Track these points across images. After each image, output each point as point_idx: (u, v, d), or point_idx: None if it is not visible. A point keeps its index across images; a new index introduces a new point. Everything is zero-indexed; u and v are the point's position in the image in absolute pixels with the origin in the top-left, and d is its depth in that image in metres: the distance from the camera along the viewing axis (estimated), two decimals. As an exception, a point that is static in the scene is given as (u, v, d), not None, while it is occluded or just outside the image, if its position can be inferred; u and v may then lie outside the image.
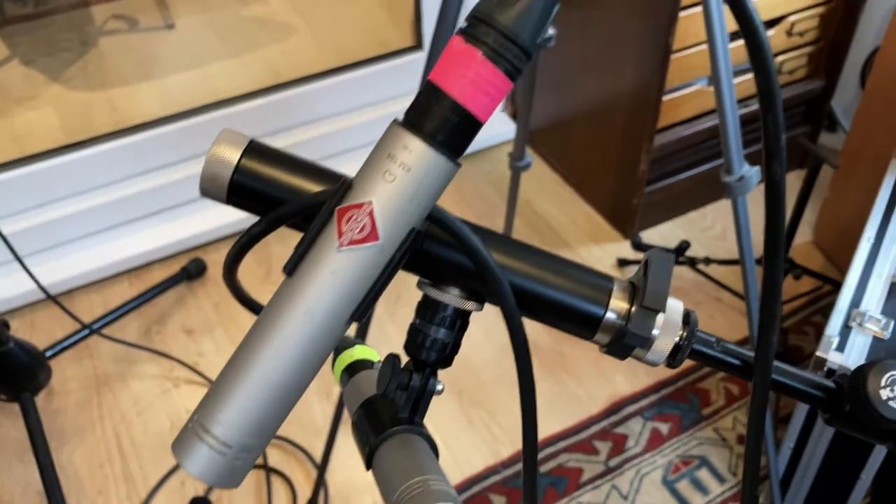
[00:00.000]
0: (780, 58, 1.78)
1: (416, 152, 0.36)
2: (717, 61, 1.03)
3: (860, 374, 0.44)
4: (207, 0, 2.19)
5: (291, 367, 0.37)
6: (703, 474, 1.46)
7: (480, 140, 2.14)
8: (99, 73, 2.02)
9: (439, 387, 0.46)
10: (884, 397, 0.43)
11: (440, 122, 0.36)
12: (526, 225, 1.94)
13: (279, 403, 0.38)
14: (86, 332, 1.65)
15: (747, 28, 0.36)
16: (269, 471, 1.49)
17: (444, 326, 0.45)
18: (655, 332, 0.43)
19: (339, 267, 0.36)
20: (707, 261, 1.76)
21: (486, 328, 1.67)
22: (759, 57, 0.36)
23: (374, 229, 0.36)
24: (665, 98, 1.67)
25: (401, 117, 0.37)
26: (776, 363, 0.46)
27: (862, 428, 0.45)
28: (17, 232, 1.74)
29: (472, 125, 0.36)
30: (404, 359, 0.46)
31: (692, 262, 1.79)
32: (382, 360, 0.47)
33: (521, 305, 0.43)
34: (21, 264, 1.36)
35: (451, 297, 0.44)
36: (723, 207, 1.98)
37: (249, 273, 1.79)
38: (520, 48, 0.35)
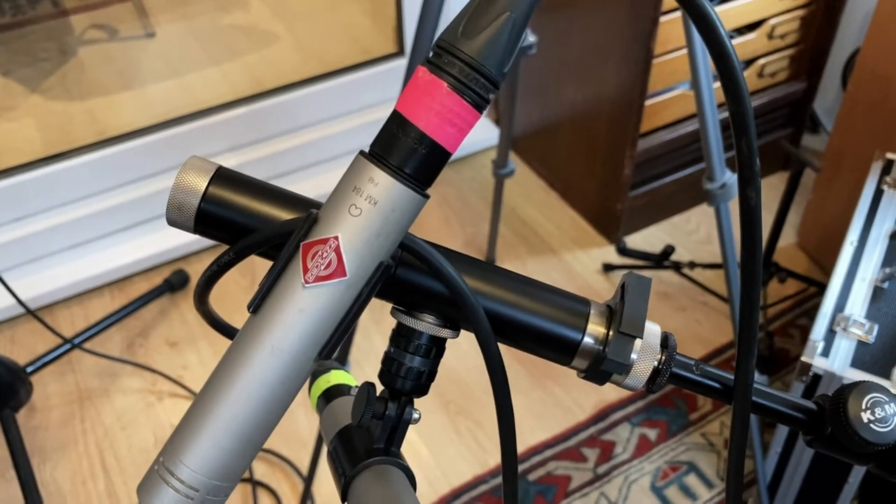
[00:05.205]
0: (762, 60, 1.79)
1: (382, 185, 0.35)
2: (697, 72, 1.03)
3: (841, 397, 0.44)
4: (188, 8, 2.17)
5: (258, 408, 0.36)
6: (692, 480, 1.46)
7: (464, 146, 2.14)
8: (78, 84, 2.00)
9: (415, 415, 0.45)
10: (865, 420, 0.43)
11: (407, 153, 0.35)
12: (511, 232, 1.93)
13: (246, 445, 0.37)
14: (67, 346, 1.63)
15: (718, 54, 0.35)
16: (255, 484, 1.47)
17: (419, 354, 0.44)
18: (633, 356, 0.42)
19: (305, 304, 0.35)
20: (692, 265, 1.76)
21: (471, 336, 1.66)
22: (731, 82, 0.35)
23: (341, 265, 0.35)
24: (648, 102, 1.67)
25: (367, 148, 0.36)
26: (757, 385, 0.45)
27: (843, 450, 0.45)
28: (-4, 246, 1.73)
29: (439, 156, 0.36)
30: (380, 387, 0.45)
31: (677, 267, 1.79)
32: (358, 386, 0.46)
33: (496, 331, 0.42)
34: (-1, 280, 1.35)
35: (426, 325, 0.43)
36: (707, 211, 1.98)
37: (233, 284, 1.77)
38: (486, 79, 0.34)
